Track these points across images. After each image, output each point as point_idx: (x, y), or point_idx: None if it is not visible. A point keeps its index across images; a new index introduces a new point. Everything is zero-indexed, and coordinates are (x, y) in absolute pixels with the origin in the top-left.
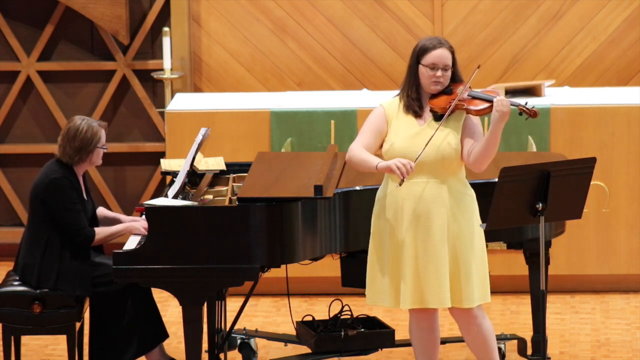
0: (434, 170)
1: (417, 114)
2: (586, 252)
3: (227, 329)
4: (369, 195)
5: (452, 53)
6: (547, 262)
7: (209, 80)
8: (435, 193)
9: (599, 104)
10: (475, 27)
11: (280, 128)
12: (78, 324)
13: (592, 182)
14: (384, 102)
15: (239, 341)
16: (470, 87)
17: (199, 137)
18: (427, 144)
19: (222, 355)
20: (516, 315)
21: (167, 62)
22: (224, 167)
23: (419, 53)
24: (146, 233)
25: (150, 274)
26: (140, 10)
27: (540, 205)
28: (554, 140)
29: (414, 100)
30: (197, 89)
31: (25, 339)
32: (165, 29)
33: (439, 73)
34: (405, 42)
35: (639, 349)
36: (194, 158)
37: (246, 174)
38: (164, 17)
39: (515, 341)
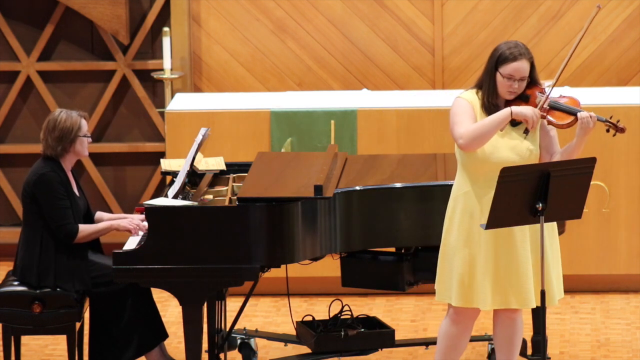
0: None
1: None
2: (586, 252)
3: (227, 329)
4: (369, 195)
5: (532, 62)
6: None
7: (209, 80)
8: None
9: (599, 104)
10: (475, 27)
11: (280, 128)
12: (78, 324)
13: (592, 182)
14: (464, 95)
15: (239, 341)
16: (549, 94)
17: (199, 137)
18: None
19: (222, 355)
20: None
21: (167, 62)
22: (224, 167)
23: (498, 60)
24: (132, 229)
25: (150, 274)
26: (140, 10)
27: (540, 205)
28: None
29: (495, 106)
30: (197, 89)
31: (25, 339)
32: (165, 29)
33: (516, 85)
34: (405, 42)
35: (639, 349)
36: (194, 158)
37: (246, 174)
38: (164, 17)
39: None
